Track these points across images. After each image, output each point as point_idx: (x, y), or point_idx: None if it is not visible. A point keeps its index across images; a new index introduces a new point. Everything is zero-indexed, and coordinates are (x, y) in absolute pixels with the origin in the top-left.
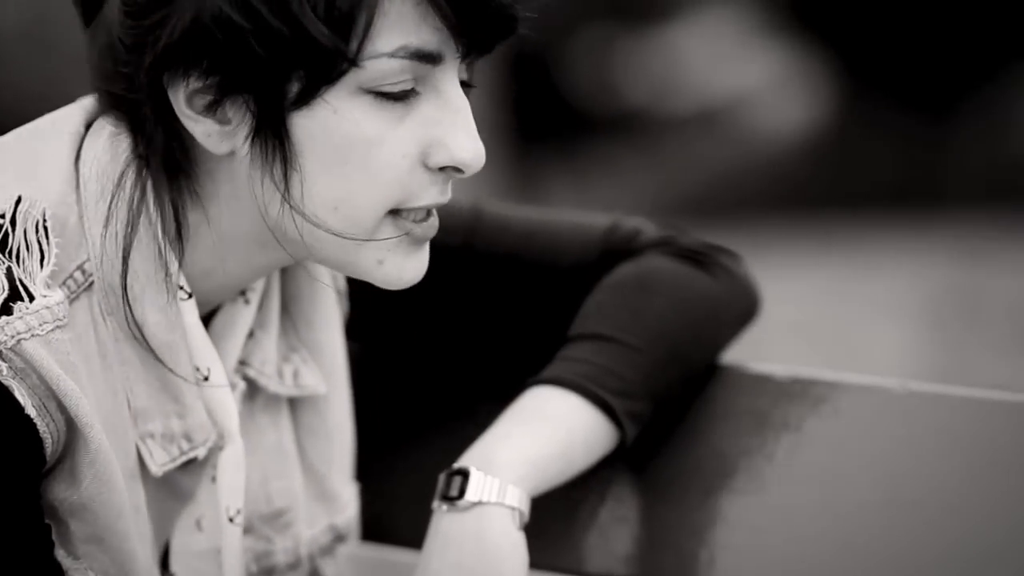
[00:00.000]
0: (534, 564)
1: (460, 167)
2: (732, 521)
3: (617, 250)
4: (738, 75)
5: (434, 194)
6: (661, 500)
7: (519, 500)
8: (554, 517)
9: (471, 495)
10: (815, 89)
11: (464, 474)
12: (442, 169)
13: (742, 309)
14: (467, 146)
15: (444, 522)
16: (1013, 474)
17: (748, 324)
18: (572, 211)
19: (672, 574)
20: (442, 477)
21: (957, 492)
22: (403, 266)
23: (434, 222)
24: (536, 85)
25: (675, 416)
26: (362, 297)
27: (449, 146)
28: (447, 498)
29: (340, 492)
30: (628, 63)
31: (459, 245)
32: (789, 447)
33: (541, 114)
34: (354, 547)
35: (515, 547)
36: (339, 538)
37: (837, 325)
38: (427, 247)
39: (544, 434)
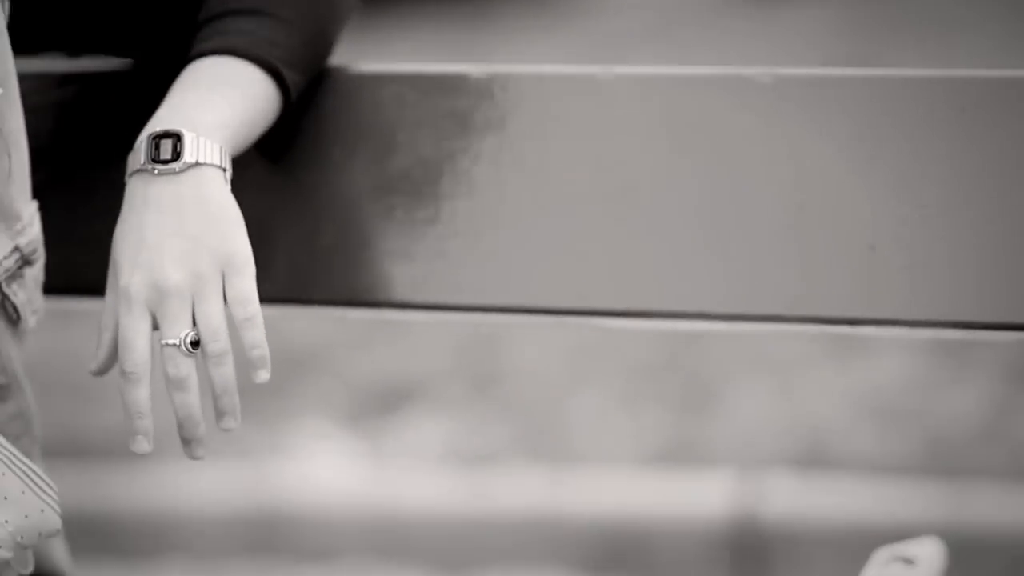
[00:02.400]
0: None
1: None
2: (448, 226)
3: None
4: None
5: None
6: (359, 211)
7: (229, 162)
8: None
9: (188, 156)
10: None
11: (176, 136)
12: None
13: None
14: None
15: (155, 187)
16: (721, 151)
17: None
18: None
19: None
20: (145, 140)
21: (669, 174)
22: None
23: None
24: None
25: (374, 124)
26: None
27: None
28: (158, 161)
29: (21, 211)
30: None
31: None
32: (495, 146)
33: None
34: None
35: (236, 208)
36: (26, 261)
37: None
38: None
39: (236, 99)
